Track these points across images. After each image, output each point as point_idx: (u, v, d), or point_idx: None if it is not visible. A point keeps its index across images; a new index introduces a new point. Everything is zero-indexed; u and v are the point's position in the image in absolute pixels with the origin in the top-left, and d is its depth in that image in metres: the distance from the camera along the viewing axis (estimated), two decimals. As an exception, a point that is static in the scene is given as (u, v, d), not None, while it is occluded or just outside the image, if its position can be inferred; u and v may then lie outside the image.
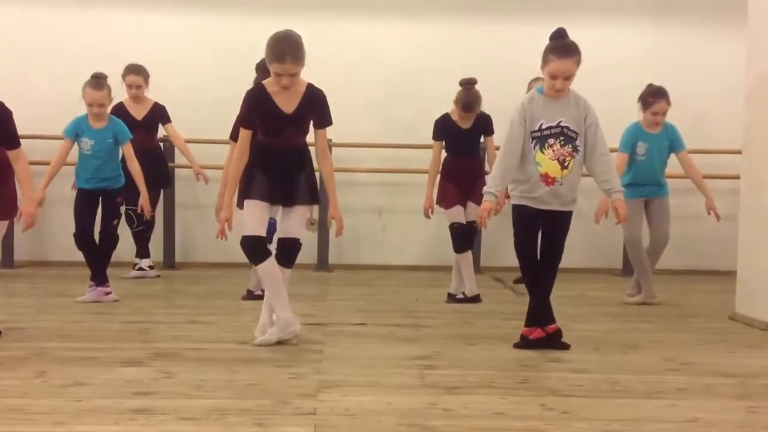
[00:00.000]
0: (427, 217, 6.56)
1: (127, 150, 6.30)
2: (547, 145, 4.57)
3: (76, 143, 6.19)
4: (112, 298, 6.14)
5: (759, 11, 5.95)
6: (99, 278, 6.14)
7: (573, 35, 4.69)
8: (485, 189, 4.64)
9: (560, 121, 4.58)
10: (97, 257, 6.17)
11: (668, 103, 6.38)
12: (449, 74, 8.42)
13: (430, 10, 8.88)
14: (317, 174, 4.84)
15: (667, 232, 6.53)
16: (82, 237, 6.11)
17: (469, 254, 6.47)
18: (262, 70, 5.78)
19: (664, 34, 8.90)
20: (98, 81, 6.14)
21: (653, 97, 6.37)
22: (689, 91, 7.69)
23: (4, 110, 4.75)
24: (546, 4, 8.86)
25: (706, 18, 8.93)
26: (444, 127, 6.48)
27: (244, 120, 4.65)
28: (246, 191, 4.65)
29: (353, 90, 8.05)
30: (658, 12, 8.96)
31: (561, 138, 4.57)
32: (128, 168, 6.33)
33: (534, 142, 4.58)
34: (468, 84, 6.37)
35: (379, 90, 8.77)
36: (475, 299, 6.46)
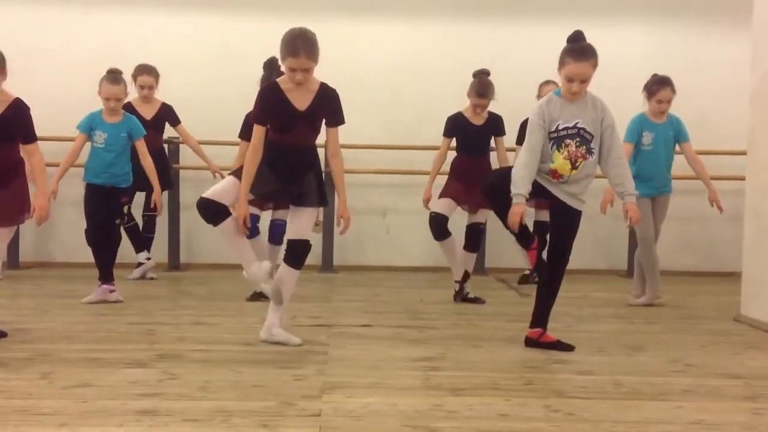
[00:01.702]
0: (427, 208, 6.59)
1: (141, 146, 6.36)
2: (563, 145, 4.59)
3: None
4: (115, 297, 6.14)
5: (764, 12, 5.94)
6: (105, 277, 6.17)
7: (577, 36, 4.69)
8: (514, 191, 4.51)
9: (577, 122, 4.59)
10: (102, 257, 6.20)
11: (673, 91, 6.41)
12: (453, 75, 8.44)
13: (434, 11, 8.88)
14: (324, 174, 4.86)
15: (659, 229, 6.57)
16: (95, 233, 6.12)
17: (447, 242, 6.44)
18: (269, 67, 5.82)
19: (667, 35, 8.89)
20: (115, 76, 6.23)
21: (658, 85, 6.41)
22: (692, 91, 7.67)
23: (22, 105, 4.83)
24: (550, 5, 8.86)
25: (709, 19, 8.91)
26: (456, 124, 6.51)
27: (257, 117, 4.66)
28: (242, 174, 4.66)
29: (357, 91, 8.04)
30: (661, 13, 8.94)
31: (577, 139, 4.59)
32: (141, 164, 6.38)
33: (551, 142, 4.60)
34: (481, 73, 6.42)
35: (382, 91, 8.77)
36: (465, 278, 6.50)
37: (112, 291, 6.16)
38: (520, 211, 4.52)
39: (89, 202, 6.19)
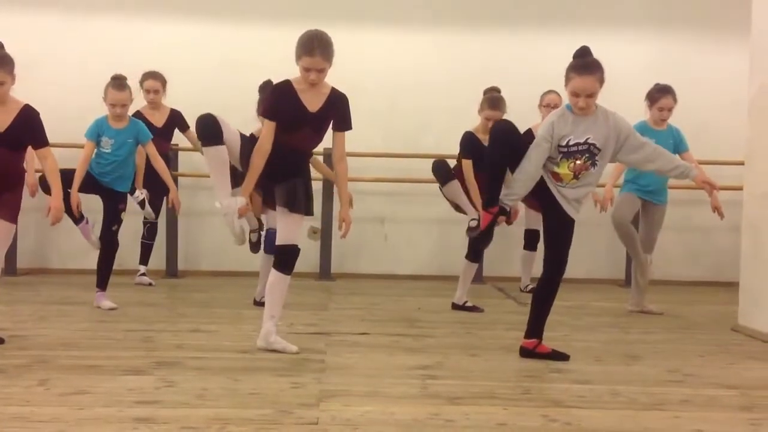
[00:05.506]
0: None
1: (150, 148, 6.40)
2: (572, 158, 4.60)
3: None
4: (109, 305, 6.14)
5: (762, 24, 5.96)
6: (101, 283, 6.22)
7: (576, 47, 4.70)
8: (502, 196, 4.58)
9: (588, 138, 4.60)
10: (99, 264, 6.25)
11: (674, 100, 6.49)
12: (453, 85, 8.49)
13: (434, 21, 8.90)
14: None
15: (655, 240, 6.59)
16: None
17: (452, 184, 6.25)
18: None
19: (666, 47, 8.90)
20: (120, 82, 6.26)
21: (660, 93, 6.49)
22: (691, 103, 7.68)
23: (32, 111, 4.91)
24: (549, 15, 8.88)
25: (707, 31, 8.93)
26: (471, 144, 6.31)
27: (268, 111, 4.64)
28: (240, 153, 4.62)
29: (357, 100, 7.87)
30: (660, 24, 8.96)
31: (586, 155, 4.60)
32: (153, 167, 6.44)
33: (561, 155, 4.60)
34: (492, 90, 6.43)
35: (383, 100, 8.77)
36: (474, 243, 6.38)
37: (101, 297, 6.18)
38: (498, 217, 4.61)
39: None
